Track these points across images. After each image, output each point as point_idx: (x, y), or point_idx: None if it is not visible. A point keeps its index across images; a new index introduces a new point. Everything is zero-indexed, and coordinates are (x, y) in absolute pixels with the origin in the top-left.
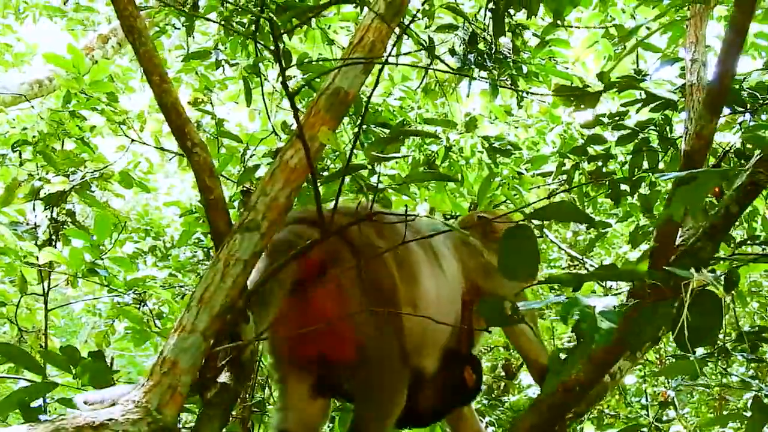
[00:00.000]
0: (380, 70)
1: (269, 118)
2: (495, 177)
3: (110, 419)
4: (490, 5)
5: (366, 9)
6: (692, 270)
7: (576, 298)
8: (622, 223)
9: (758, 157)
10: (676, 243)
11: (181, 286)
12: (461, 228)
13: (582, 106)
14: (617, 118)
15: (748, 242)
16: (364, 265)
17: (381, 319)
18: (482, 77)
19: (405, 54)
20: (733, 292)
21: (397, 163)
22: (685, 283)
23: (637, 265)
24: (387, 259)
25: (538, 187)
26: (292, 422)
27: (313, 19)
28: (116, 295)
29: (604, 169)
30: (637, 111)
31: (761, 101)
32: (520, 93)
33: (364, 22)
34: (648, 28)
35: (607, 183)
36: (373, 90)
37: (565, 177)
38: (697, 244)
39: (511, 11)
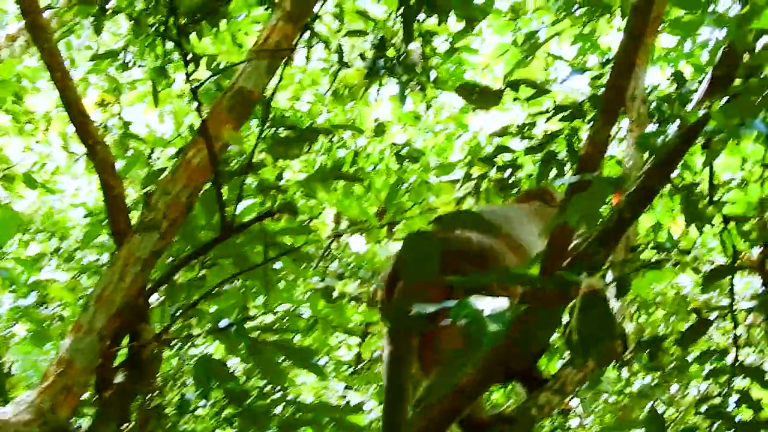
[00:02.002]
0: (284, 67)
1: (177, 121)
2: (402, 183)
3: (1, 420)
4: (401, 11)
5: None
6: (583, 275)
7: (466, 300)
8: None
9: (651, 162)
10: (570, 248)
11: (85, 288)
12: (523, 198)
13: (484, 105)
14: (525, 127)
15: (641, 247)
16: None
17: None
18: (391, 82)
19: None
20: (637, 300)
21: (305, 168)
22: (576, 288)
23: (529, 269)
24: (508, 255)
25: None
26: None
27: (223, 21)
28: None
29: (511, 180)
30: (546, 121)
31: (668, 113)
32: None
33: (270, 22)
34: (558, 34)
35: (514, 193)
36: (277, 86)
37: (473, 184)
38: (590, 250)
39: (421, 17)
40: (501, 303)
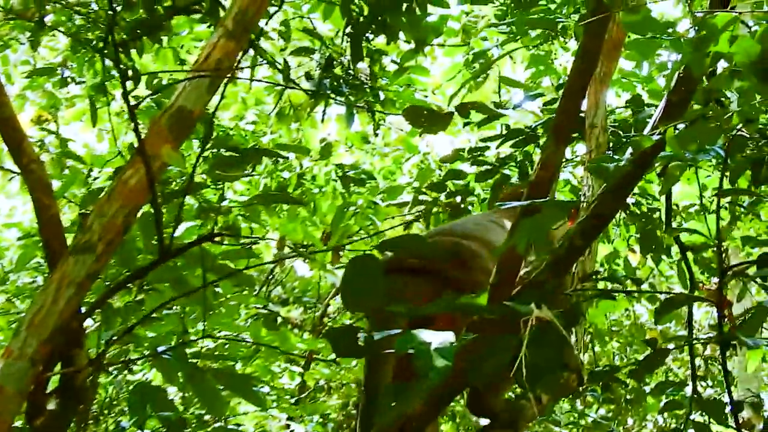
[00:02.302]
0: (225, 86)
1: (115, 139)
2: (349, 206)
3: None
4: (348, 29)
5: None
6: (532, 305)
7: (411, 332)
8: None
9: (603, 189)
10: (519, 276)
11: (18, 313)
12: (507, 200)
13: (432, 129)
14: (477, 152)
15: (593, 277)
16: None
17: None
18: (338, 102)
19: (257, 78)
20: (591, 330)
21: (248, 190)
22: (525, 318)
23: (476, 298)
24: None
25: (393, 218)
26: None
27: (165, 38)
28: None
29: (462, 205)
30: (499, 145)
31: (624, 138)
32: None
33: (211, 39)
34: (512, 57)
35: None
36: (218, 105)
37: (422, 208)
38: (540, 278)
39: (370, 36)
40: (447, 336)
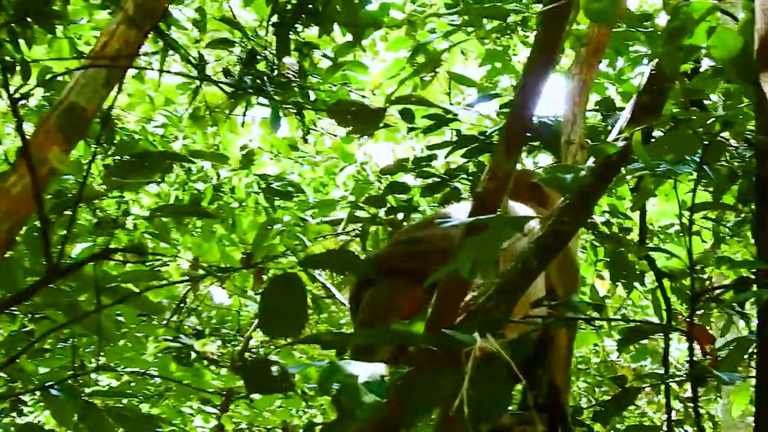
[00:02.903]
0: (121, 80)
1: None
2: (273, 224)
3: None
4: (274, 19)
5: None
6: (476, 334)
7: (337, 364)
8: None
9: (561, 203)
10: (464, 302)
11: None
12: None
13: (362, 128)
14: (422, 163)
15: (543, 302)
16: None
17: None
18: (262, 103)
19: (165, 70)
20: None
21: (157, 203)
22: (468, 349)
23: (413, 326)
24: None
25: (325, 237)
26: None
27: (60, 26)
28: None
29: (405, 223)
30: (447, 154)
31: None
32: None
33: (109, 26)
34: (464, 53)
35: None
36: (113, 102)
37: (359, 226)
38: (488, 304)
39: (299, 27)
40: (378, 368)
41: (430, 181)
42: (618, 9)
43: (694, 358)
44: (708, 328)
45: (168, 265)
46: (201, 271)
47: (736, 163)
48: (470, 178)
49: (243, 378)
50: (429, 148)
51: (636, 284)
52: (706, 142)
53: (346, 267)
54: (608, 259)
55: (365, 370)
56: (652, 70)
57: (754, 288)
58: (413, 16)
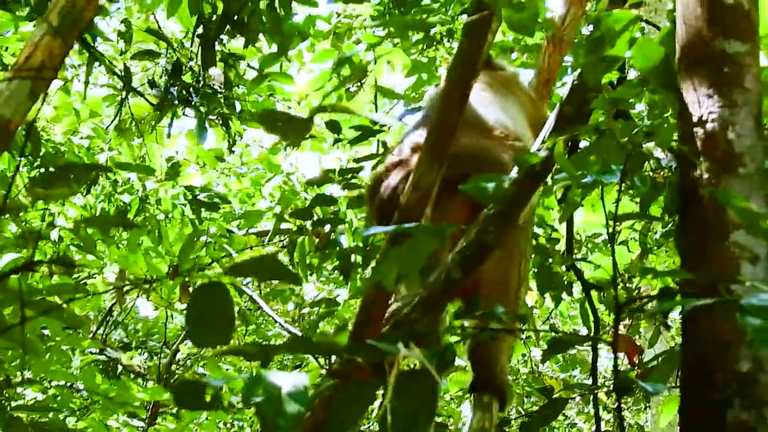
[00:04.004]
0: (46, 91)
1: None
2: (200, 235)
3: None
4: (199, 30)
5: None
6: (399, 345)
7: (260, 374)
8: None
9: (486, 213)
10: (388, 313)
11: None
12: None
13: (291, 137)
14: (349, 174)
15: (465, 315)
16: None
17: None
18: (188, 114)
19: (91, 81)
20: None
21: (83, 216)
22: (391, 360)
23: (336, 337)
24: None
25: (252, 248)
26: None
27: None
28: None
29: (332, 236)
30: (375, 166)
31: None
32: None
33: (33, 37)
34: (390, 64)
35: (336, 252)
36: (38, 114)
37: (285, 237)
38: (412, 315)
39: (225, 38)
40: (301, 378)
41: (356, 192)
42: (543, 20)
43: (621, 369)
44: (636, 338)
45: (94, 277)
46: (127, 283)
47: (661, 173)
48: None
49: (173, 395)
50: (356, 160)
51: (564, 295)
52: (630, 153)
53: (273, 274)
54: (536, 270)
55: (288, 381)
56: (574, 81)
57: (678, 298)
58: (339, 28)
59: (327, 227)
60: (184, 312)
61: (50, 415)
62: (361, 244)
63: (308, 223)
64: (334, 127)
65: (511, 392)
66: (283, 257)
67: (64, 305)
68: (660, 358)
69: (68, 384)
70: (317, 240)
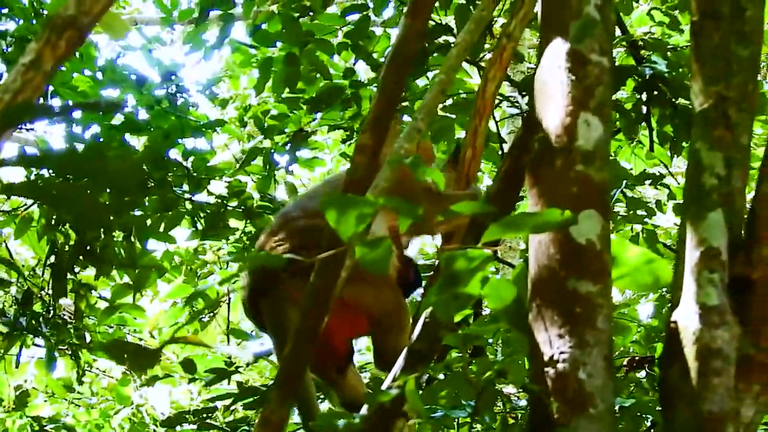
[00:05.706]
0: None
1: None
2: None
3: None
4: (51, 259)
5: None
6: None
7: None
8: None
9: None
10: None
11: None
12: None
13: (138, 366)
14: (204, 414)
15: None
16: None
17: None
18: (38, 344)
19: None
20: None
21: None
22: None
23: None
24: None
25: None
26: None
27: None
28: None
29: None
30: (230, 406)
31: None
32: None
33: None
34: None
35: None
36: None
37: None
38: None
39: (77, 268)
40: None
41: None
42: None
43: None
44: None
45: None
46: None
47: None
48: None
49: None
50: (210, 400)
51: None
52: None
53: None
54: None
55: None
56: (426, 318)
57: None
58: (194, 264)
59: None
60: None
61: None
62: None
63: None
64: (189, 367)
65: None
66: None
67: None
68: None
69: None
70: None
